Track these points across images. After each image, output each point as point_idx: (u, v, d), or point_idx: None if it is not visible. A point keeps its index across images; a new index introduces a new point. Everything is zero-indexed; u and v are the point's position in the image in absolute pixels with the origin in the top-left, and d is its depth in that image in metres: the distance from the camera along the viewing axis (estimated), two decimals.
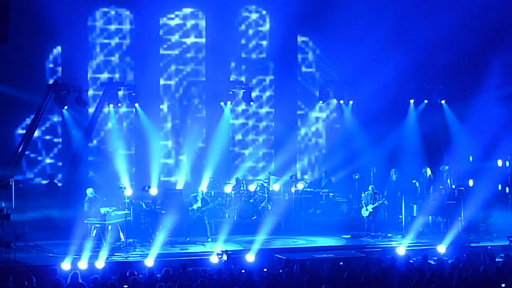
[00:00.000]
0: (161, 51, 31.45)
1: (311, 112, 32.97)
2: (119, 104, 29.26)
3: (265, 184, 29.26)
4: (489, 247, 23.20)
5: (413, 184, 27.99)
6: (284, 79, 32.39)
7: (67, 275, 18.30)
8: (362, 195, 26.98)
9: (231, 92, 30.78)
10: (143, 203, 25.58)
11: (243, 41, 32.24)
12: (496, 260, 20.82)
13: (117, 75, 30.74)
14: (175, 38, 31.57)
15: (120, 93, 29.03)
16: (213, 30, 31.51)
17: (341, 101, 31.91)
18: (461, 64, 29.72)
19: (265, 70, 32.58)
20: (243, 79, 31.77)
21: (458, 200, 26.79)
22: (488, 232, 26.71)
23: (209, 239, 25.27)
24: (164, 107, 31.63)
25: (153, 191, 28.09)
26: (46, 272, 19.27)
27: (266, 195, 28.76)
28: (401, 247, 24.25)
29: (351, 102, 31.71)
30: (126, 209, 24.61)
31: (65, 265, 20.94)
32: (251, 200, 28.22)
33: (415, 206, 27.05)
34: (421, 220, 26.61)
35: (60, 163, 30.31)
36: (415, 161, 29.80)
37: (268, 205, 28.45)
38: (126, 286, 17.63)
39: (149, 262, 22.02)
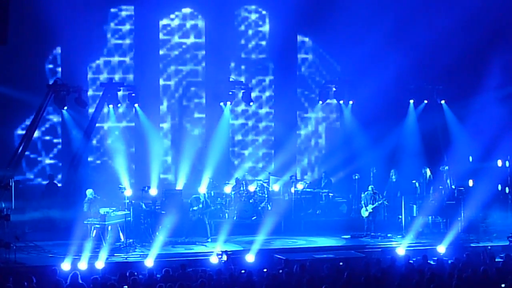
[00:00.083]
0: (161, 52, 31.44)
1: (311, 112, 32.96)
2: (119, 105, 29.28)
3: (265, 185, 29.27)
4: (489, 247, 23.20)
5: (413, 184, 28.00)
6: (283, 79, 32.39)
7: (67, 276, 18.29)
8: (362, 195, 26.98)
9: (230, 93, 30.80)
10: (143, 204, 25.59)
11: (242, 42, 32.24)
12: (496, 260, 20.83)
13: (117, 76, 30.72)
14: (174, 38, 31.56)
15: (120, 93, 29.04)
16: (213, 31, 31.51)
17: (341, 101, 31.92)
18: (461, 64, 29.74)
19: (264, 71, 32.57)
20: (242, 79, 31.77)
21: (458, 200, 26.79)
22: (488, 232, 26.69)
23: (209, 240, 25.27)
24: (164, 107, 31.63)
25: (153, 191, 28.09)
26: (46, 272, 19.24)
27: (266, 196, 28.76)
28: (401, 247, 24.24)
29: (350, 102, 31.72)
30: (126, 210, 24.61)
31: (65, 266, 20.94)
32: (251, 201, 28.23)
33: (415, 206, 27.05)
34: (421, 220, 26.60)
35: (60, 164, 30.30)
36: (415, 161, 29.79)
37: (268, 205, 28.45)
38: (126, 286, 17.62)
39: (149, 262, 22.02)
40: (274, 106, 32.65)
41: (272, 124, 32.69)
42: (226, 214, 27.80)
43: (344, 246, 25.33)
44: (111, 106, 29.07)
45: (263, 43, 32.39)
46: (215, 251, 22.79)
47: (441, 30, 29.46)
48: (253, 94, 31.36)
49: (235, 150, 32.39)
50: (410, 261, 20.35)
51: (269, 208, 28.26)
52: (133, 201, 25.29)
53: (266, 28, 32.38)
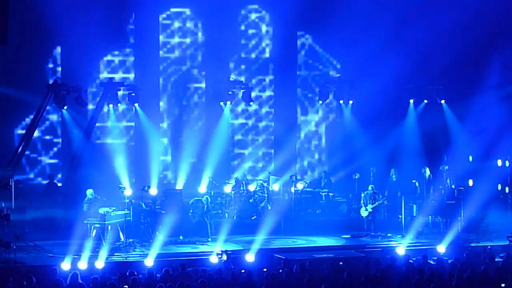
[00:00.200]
0: (161, 51, 31.43)
1: (311, 112, 32.96)
2: (119, 104, 29.28)
3: (265, 184, 29.27)
4: (489, 247, 23.21)
5: (413, 184, 28.00)
6: (283, 79, 32.38)
7: (67, 275, 18.30)
8: (362, 194, 26.99)
9: (230, 92, 30.78)
10: (143, 203, 25.60)
11: (243, 41, 32.23)
12: (496, 260, 20.84)
13: (116, 75, 30.70)
14: (174, 38, 31.55)
15: (120, 93, 29.03)
16: (213, 30, 31.49)
17: (341, 101, 31.90)
18: (460, 64, 29.73)
19: (265, 70, 32.56)
20: (242, 79, 31.77)
21: (458, 200, 26.82)
22: (488, 232, 26.70)
23: (209, 239, 25.28)
24: (163, 107, 31.62)
25: (153, 191, 28.13)
26: (46, 272, 19.25)
27: (266, 195, 28.76)
28: (400, 247, 24.26)
29: (350, 102, 31.70)
30: (126, 209, 24.63)
31: (65, 265, 20.95)
32: (250, 200, 28.24)
33: (414, 206, 27.07)
34: (420, 220, 26.61)
35: (60, 163, 30.29)
36: (415, 161, 29.78)
37: (268, 205, 28.45)
38: (126, 286, 17.63)
39: (149, 262, 22.03)
40: (274, 106, 32.64)
41: (272, 123, 32.69)
42: (226, 214, 27.81)
43: (344, 245, 25.33)
44: (111, 105, 29.06)
45: (264, 43, 32.38)
46: (215, 251, 22.79)
47: (441, 30, 29.45)
48: (253, 94, 31.35)
49: (235, 150, 32.38)
50: (410, 261, 20.35)
51: (269, 208, 28.26)
52: (133, 201, 25.31)
53: (266, 28, 32.36)
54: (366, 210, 26.59)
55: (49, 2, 27.17)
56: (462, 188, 27.40)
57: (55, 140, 30.48)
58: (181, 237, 25.22)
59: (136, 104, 29.65)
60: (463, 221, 26.36)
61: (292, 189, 28.53)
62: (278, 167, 31.66)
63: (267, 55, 32.43)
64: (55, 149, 30.47)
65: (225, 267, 20.54)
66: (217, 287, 17.91)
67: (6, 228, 22.81)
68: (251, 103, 31.36)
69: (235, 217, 27.43)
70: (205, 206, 25.82)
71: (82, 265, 21.17)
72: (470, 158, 30.13)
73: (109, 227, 23.84)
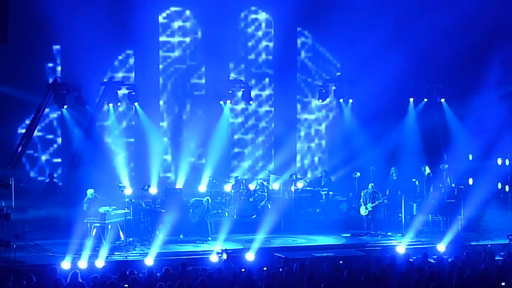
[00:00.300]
0: (161, 50, 31.42)
1: (310, 110, 32.96)
2: (119, 103, 29.28)
3: (265, 183, 29.28)
4: (489, 245, 23.24)
5: (413, 183, 28.01)
6: (283, 78, 32.38)
7: (67, 274, 18.30)
8: (362, 193, 27.00)
9: (230, 91, 30.80)
10: (143, 202, 25.61)
11: (242, 41, 32.22)
12: (496, 258, 20.84)
13: (116, 74, 30.68)
14: (174, 37, 31.55)
15: (120, 92, 29.04)
16: (213, 29, 31.48)
17: (341, 100, 31.92)
18: (460, 63, 29.72)
19: (264, 69, 32.54)
20: (242, 78, 31.77)
21: (458, 198, 26.82)
22: (488, 231, 26.71)
23: (210, 238, 25.29)
24: (163, 106, 31.62)
25: (153, 190, 28.13)
26: (46, 271, 19.28)
27: (266, 194, 28.76)
28: (401, 246, 24.26)
29: (350, 100, 31.72)
30: (126, 208, 24.64)
31: (65, 264, 20.96)
32: (250, 199, 28.25)
33: (414, 204, 27.07)
34: (421, 219, 26.62)
35: (60, 160, 30.28)
36: (415, 159, 29.79)
37: (268, 204, 28.45)
38: (126, 285, 17.64)
39: (149, 261, 22.04)
40: (274, 105, 32.65)
41: (272, 123, 32.69)
42: (226, 213, 27.81)
43: (344, 244, 25.34)
44: (111, 105, 29.05)
45: (264, 42, 32.37)
46: (215, 250, 22.80)
47: (441, 28, 29.45)
48: (252, 93, 31.35)
49: (234, 149, 32.38)
50: (410, 260, 20.40)
51: (269, 207, 28.26)
52: (133, 200, 25.33)
53: (266, 27, 32.35)
54: (366, 209, 26.62)
55: (49, 1, 27.16)
56: (462, 186, 27.40)
57: (55, 139, 30.45)
58: (181, 236, 25.25)
59: (136, 103, 29.66)
60: (463, 219, 26.36)
61: (292, 188, 28.54)
62: (278, 166, 31.68)
63: (267, 54, 32.42)
64: (55, 146, 30.44)
65: (225, 266, 20.58)
66: (217, 286, 17.92)
67: (6, 227, 22.82)
68: (251, 102, 31.36)
69: (235, 216, 27.44)
70: (206, 206, 25.85)
71: (82, 264, 21.19)
72: (470, 157, 30.13)
73: (109, 226, 23.85)
